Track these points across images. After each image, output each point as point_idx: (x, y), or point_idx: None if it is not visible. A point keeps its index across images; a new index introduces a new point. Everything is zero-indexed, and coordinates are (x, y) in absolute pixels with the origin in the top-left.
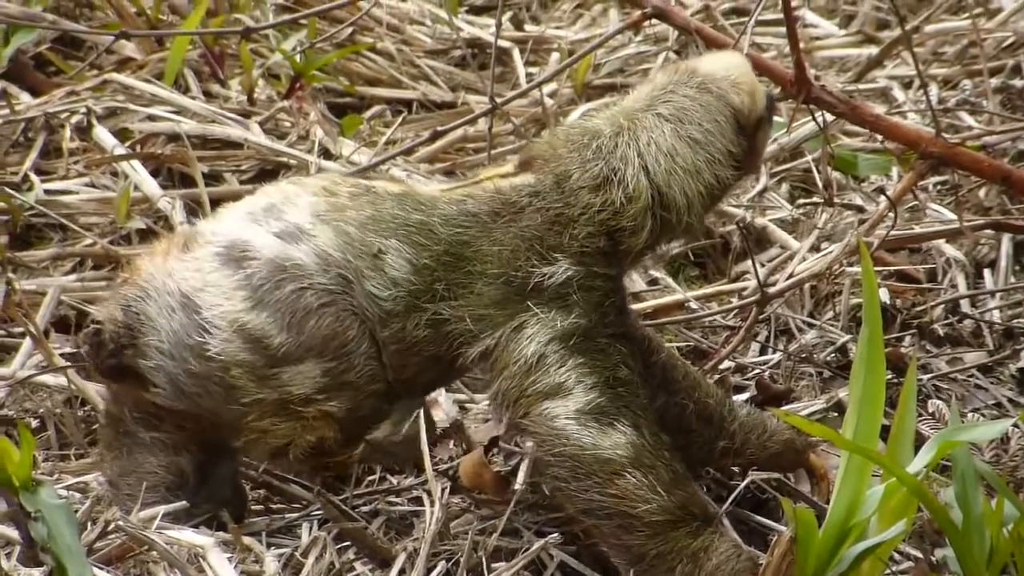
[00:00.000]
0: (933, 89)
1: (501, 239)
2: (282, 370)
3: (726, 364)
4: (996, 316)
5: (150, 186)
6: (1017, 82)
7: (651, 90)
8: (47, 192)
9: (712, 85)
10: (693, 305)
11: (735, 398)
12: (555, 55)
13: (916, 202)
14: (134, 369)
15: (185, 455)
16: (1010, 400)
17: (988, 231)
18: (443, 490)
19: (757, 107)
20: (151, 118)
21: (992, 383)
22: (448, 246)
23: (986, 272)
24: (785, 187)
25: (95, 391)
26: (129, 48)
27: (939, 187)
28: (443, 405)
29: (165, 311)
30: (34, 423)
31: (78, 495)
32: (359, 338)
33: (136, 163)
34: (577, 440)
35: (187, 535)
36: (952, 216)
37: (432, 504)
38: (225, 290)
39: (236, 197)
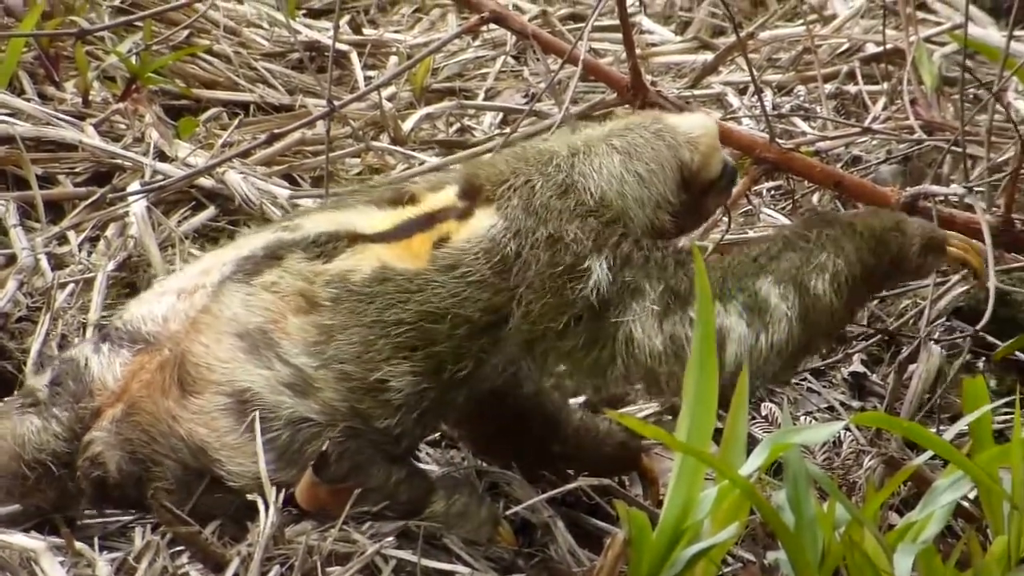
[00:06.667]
0: (768, 95)
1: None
2: None
3: None
4: None
5: None
6: (851, 88)
7: (613, 125)
8: None
9: (668, 135)
10: None
11: (571, 401)
12: (394, 59)
13: (750, 207)
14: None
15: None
16: (842, 403)
17: None
18: (278, 494)
19: (709, 170)
20: None
21: (824, 387)
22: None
23: None
24: None
25: None
26: None
27: (773, 192)
28: None
29: (173, 453)
30: None
31: None
32: (378, 464)
33: None
34: None
35: (18, 539)
36: (787, 221)
37: (267, 508)
38: (249, 454)
39: (70, 199)
